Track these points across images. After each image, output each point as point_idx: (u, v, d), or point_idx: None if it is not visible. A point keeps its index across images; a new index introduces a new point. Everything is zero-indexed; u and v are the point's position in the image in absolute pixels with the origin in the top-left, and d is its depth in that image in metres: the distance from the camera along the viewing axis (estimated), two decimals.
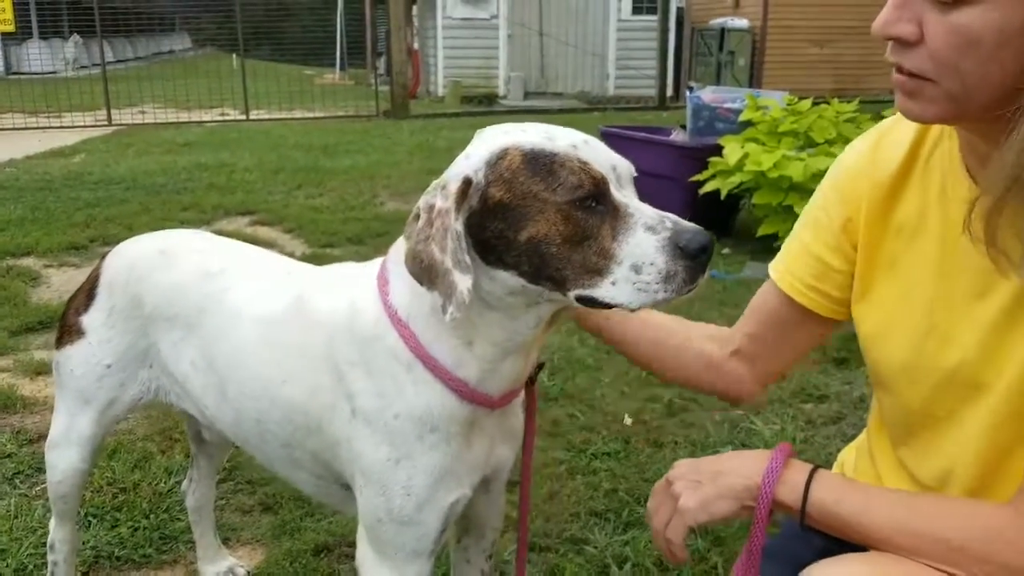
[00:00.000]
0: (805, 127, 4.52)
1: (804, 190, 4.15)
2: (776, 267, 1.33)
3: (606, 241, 1.08)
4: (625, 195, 1.12)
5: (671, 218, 1.10)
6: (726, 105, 4.89)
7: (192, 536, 2.05)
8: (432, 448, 1.21)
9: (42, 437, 2.66)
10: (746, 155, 4.42)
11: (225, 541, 2.12)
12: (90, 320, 1.57)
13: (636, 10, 16.46)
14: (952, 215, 1.11)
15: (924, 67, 0.99)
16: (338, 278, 1.36)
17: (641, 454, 2.49)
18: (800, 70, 15.66)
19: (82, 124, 11.37)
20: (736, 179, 4.44)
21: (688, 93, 5.15)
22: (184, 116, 12.12)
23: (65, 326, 1.61)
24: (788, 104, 4.71)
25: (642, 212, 1.10)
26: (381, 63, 17.30)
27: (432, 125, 11.32)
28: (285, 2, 23.13)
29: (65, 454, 1.64)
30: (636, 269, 1.07)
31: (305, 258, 4.95)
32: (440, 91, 16.15)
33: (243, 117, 12.11)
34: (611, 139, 5.35)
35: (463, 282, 1.06)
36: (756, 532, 1.14)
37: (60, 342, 1.62)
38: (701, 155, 4.79)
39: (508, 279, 1.11)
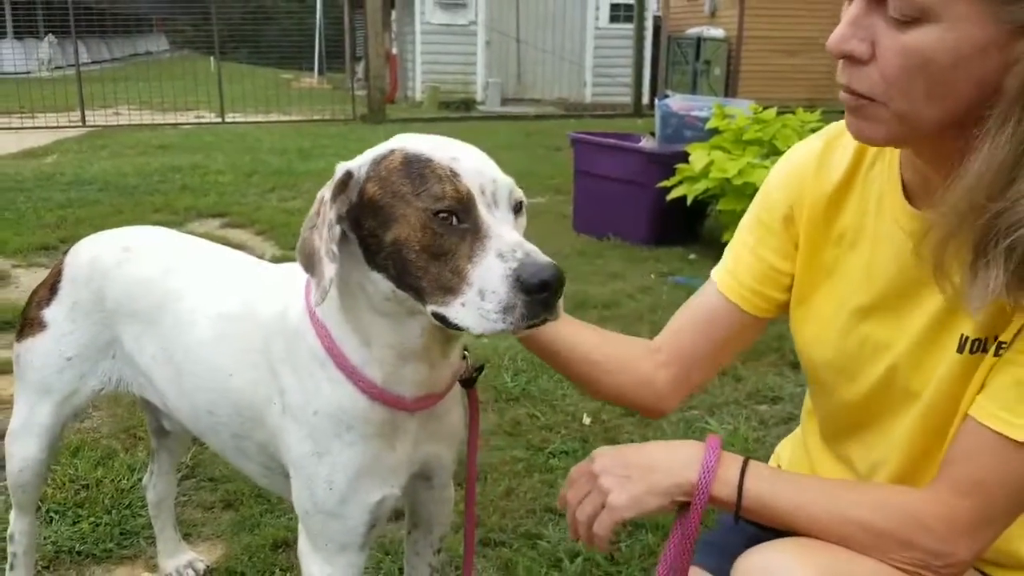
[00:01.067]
0: (770, 135, 4.60)
1: None
2: (719, 273, 1.35)
3: (462, 260, 1.06)
4: (495, 217, 1.09)
5: (525, 248, 1.06)
6: (693, 113, 4.97)
7: (153, 532, 2.08)
8: (349, 446, 1.25)
9: (1, 436, 2.70)
10: (712, 162, 4.51)
11: (186, 536, 2.15)
12: (52, 313, 1.61)
13: (613, 18, 16.61)
14: (886, 228, 1.16)
15: (874, 87, 1.00)
16: (281, 278, 1.40)
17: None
18: (775, 80, 15.86)
19: (56, 125, 11.30)
20: (702, 186, 4.52)
21: (657, 101, 5.23)
22: (159, 118, 12.07)
23: (27, 319, 1.64)
24: (753, 113, 4.79)
25: (500, 238, 1.07)
26: (360, 68, 17.33)
27: (409, 129, 11.16)
28: (264, 5, 23.11)
29: (24, 443, 1.67)
30: (481, 295, 1.05)
31: (275, 259, 4.95)
32: (418, 96, 16.21)
33: (219, 120, 12.09)
34: (580, 145, 5.43)
35: (328, 270, 1.09)
36: (691, 527, 1.15)
37: (21, 334, 1.65)
38: (669, 161, 4.87)
39: (380, 282, 1.14)
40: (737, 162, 4.40)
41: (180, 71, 15.48)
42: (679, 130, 5.00)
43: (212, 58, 16.56)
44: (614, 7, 16.61)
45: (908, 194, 1.14)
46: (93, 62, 19.39)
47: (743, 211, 4.05)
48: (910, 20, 0.95)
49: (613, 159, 5.15)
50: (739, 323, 1.32)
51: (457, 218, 1.07)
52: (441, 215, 1.07)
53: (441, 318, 1.09)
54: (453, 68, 16.14)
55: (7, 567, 1.83)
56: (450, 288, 1.07)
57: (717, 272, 1.35)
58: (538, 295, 1.03)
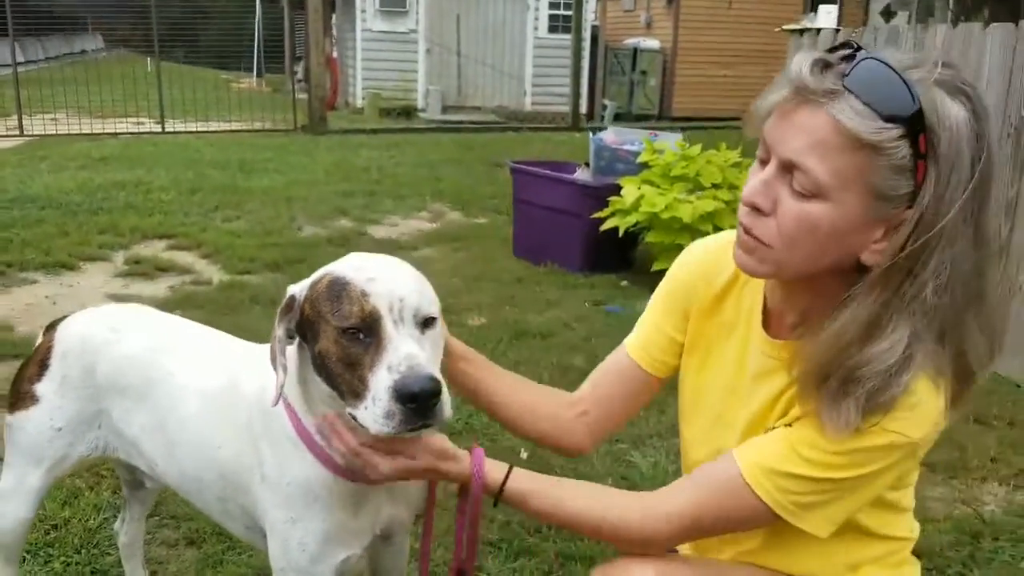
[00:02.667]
0: (694, 172, 4.90)
1: (693, 230, 4.54)
2: (632, 344, 1.65)
3: (365, 370, 1.26)
4: (399, 332, 1.27)
5: (412, 362, 1.23)
6: (625, 147, 5.24)
7: (122, 570, 2.26)
8: (318, 514, 1.47)
9: None
10: (642, 196, 4.79)
11: (152, 575, 2.33)
12: (43, 388, 1.78)
13: (552, 28, 16.87)
14: (752, 330, 1.47)
15: (770, 235, 1.28)
16: (261, 358, 1.61)
17: None
18: (709, 90, 16.33)
19: None
20: (632, 219, 4.80)
21: (590, 136, 5.49)
22: (99, 125, 11.96)
23: (19, 393, 1.81)
24: (680, 148, 5.08)
25: (396, 351, 1.25)
26: (299, 68, 17.30)
27: (350, 141, 11.46)
28: (201, 4, 22.83)
29: (13, 506, 1.85)
30: (374, 401, 1.24)
31: (223, 284, 5.12)
32: (359, 102, 16.26)
33: (159, 128, 12.02)
34: (519, 175, 5.67)
35: (279, 378, 1.36)
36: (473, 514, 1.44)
37: (13, 407, 1.82)
38: (602, 194, 5.14)
39: (320, 383, 1.37)
40: (665, 197, 4.69)
41: (118, 72, 15.27)
42: (612, 163, 5.27)
43: (149, 58, 16.43)
44: (553, 17, 16.88)
45: (765, 317, 1.46)
46: (28, 62, 19.01)
47: (671, 243, 4.59)
48: (808, 195, 1.23)
49: (550, 189, 5.40)
50: (644, 381, 1.63)
51: (363, 334, 1.28)
52: (349, 331, 1.28)
53: (352, 417, 1.31)
54: (394, 75, 16.22)
55: None
56: (357, 393, 1.28)
57: (629, 340, 1.66)
58: (411, 404, 1.22)
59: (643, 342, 1.63)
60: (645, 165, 5.11)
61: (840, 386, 1.24)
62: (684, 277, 1.59)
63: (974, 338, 1.28)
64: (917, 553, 2.37)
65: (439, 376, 1.27)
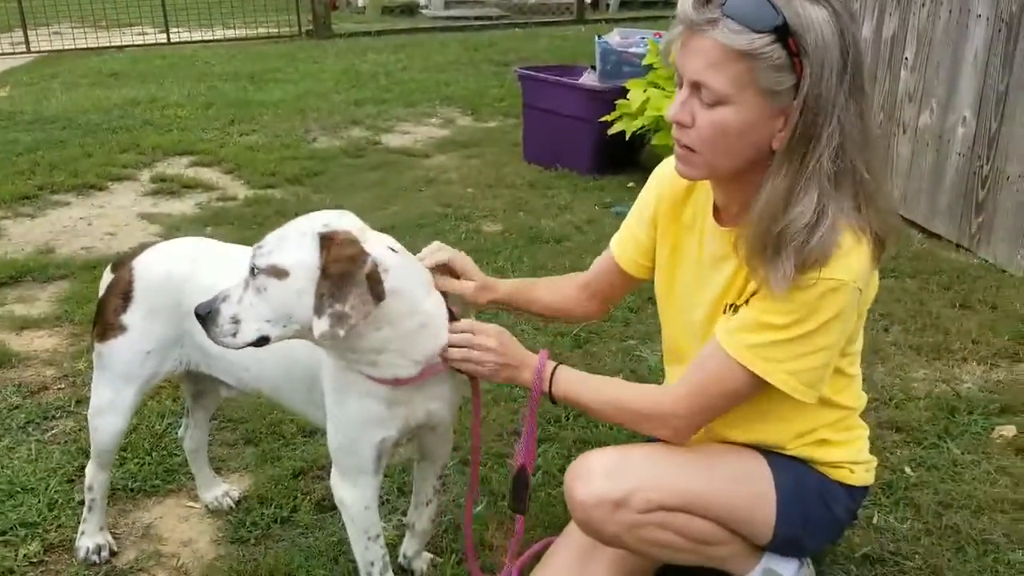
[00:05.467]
0: None
1: None
2: (615, 244, 2.03)
3: None
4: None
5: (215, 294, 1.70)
6: (631, 50, 5.34)
7: (190, 469, 2.56)
8: (355, 401, 1.80)
9: (43, 388, 3.14)
10: (648, 100, 4.92)
11: (216, 471, 2.61)
12: (129, 318, 2.05)
13: None
14: (706, 224, 1.79)
15: (693, 143, 1.59)
16: None
17: None
18: None
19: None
20: (639, 122, 4.95)
21: (596, 39, 5.57)
22: (104, 37, 11.97)
23: (107, 324, 2.07)
24: None
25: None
26: None
27: (356, 46, 11.45)
28: None
29: (111, 419, 2.14)
30: None
31: (248, 200, 5.33)
32: (360, 2, 16.06)
33: (164, 39, 12.02)
34: (527, 80, 5.78)
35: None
36: (532, 408, 1.83)
37: (103, 337, 2.08)
38: (609, 97, 5.27)
39: None
40: (671, 100, 4.81)
41: None
42: (618, 66, 5.37)
43: None
44: None
45: (716, 213, 1.77)
46: None
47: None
48: (714, 103, 1.53)
49: (558, 95, 5.52)
50: (626, 278, 2.04)
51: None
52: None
53: None
54: None
55: (85, 510, 2.28)
56: None
57: (613, 241, 2.04)
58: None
59: (622, 246, 2.01)
60: (651, 67, 5.22)
61: (774, 249, 1.55)
62: (652, 190, 1.92)
63: (876, 188, 1.59)
64: (896, 428, 2.70)
65: (218, 308, 1.67)
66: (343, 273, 1.58)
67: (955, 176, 4.24)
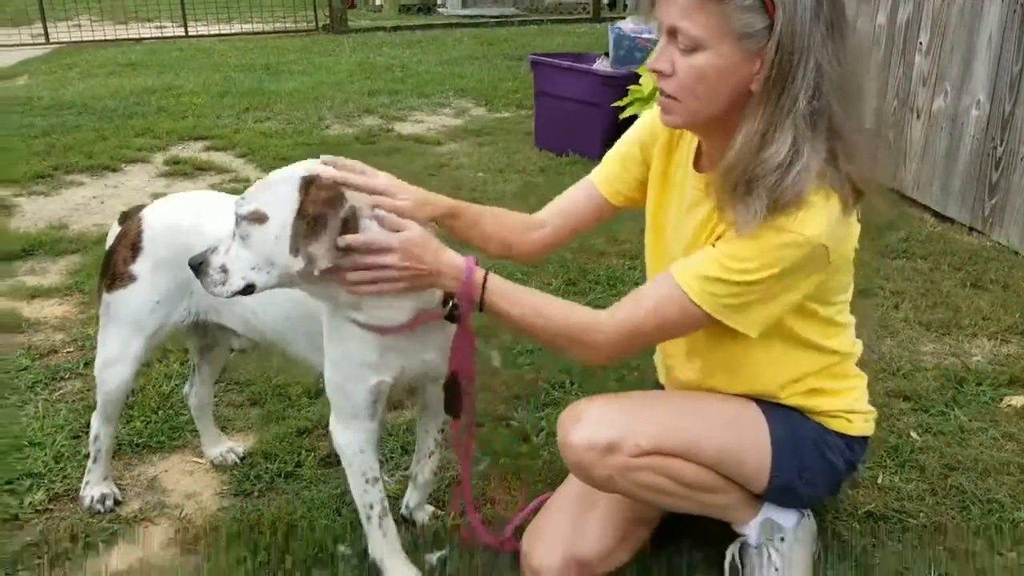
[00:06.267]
0: None
1: None
2: (598, 174, 1.98)
3: None
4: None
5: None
6: (644, 36, 5.33)
7: (195, 427, 2.57)
8: (351, 344, 1.80)
9: (52, 351, 3.16)
10: None
11: (221, 430, 2.62)
12: (138, 268, 2.06)
13: None
14: (688, 171, 1.79)
15: (674, 91, 1.59)
16: None
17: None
18: None
19: (19, 43, 11.28)
20: (651, 106, 4.92)
21: (610, 27, 5.57)
22: (122, 31, 12.07)
23: (116, 274, 2.08)
24: None
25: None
26: None
27: (372, 40, 11.49)
28: None
29: (119, 370, 2.15)
30: None
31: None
32: (378, 0, 16.14)
33: (182, 33, 12.11)
34: (540, 67, 5.79)
35: None
36: (463, 320, 1.75)
37: (112, 287, 2.09)
38: (622, 83, 5.27)
39: None
40: None
41: None
42: (631, 52, 5.37)
43: None
44: None
45: (698, 160, 1.77)
46: None
47: None
48: (691, 49, 1.54)
49: (570, 81, 5.53)
50: (601, 206, 1.97)
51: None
52: None
53: None
54: None
55: (90, 461, 2.30)
56: None
57: (595, 172, 1.99)
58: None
59: (607, 176, 1.96)
60: None
61: (745, 187, 1.54)
62: (649, 125, 1.90)
63: (852, 132, 1.57)
64: (903, 397, 2.68)
65: (208, 258, 1.69)
66: (318, 215, 1.59)
67: (969, 159, 4.22)
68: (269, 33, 12.38)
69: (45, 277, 3.85)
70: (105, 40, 11.66)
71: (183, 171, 5.59)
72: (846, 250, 1.68)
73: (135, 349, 2.13)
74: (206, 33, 12.20)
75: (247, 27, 12.57)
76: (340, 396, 1.87)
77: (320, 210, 1.59)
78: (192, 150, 6.08)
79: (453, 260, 1.68)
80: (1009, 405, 2.64)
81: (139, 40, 11.74)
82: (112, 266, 2.10)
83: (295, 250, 1.59)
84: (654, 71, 1.61)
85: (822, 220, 1.55)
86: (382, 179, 1.74)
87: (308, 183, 1.62)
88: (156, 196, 5.01)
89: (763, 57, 1.50)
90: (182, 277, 2.03)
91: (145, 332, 2.11)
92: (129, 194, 5.17)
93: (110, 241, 2.19)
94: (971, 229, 4.19)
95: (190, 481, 2.45)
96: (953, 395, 2.71)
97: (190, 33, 12.12)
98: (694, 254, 1.67)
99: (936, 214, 4.42)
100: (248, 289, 1.68)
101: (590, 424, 1.73)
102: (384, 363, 1.81)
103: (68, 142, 6.12)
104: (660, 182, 1.88)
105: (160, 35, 12.18)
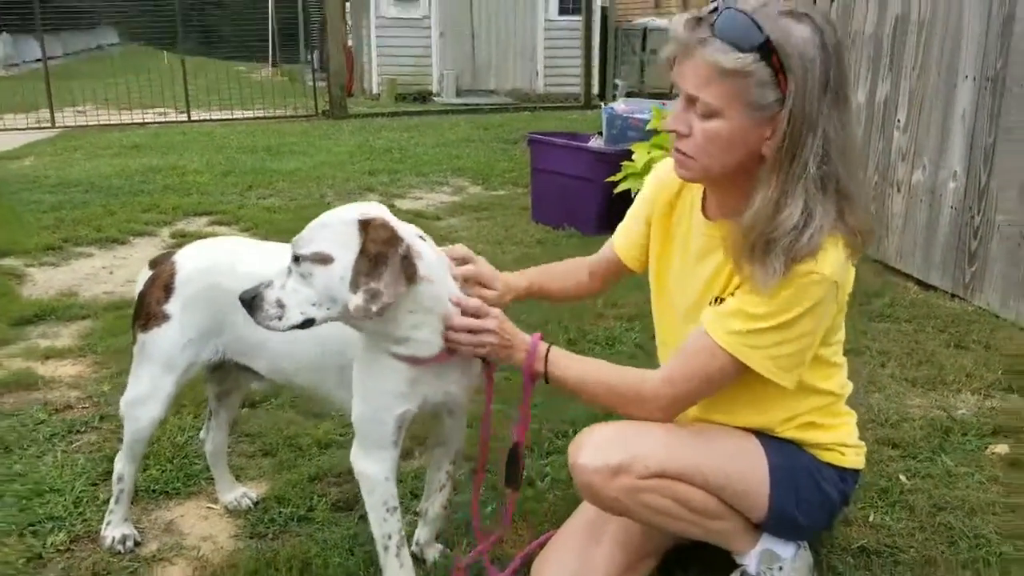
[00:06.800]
0: None
1: None
2: (617, 240, 2.21)
3: None
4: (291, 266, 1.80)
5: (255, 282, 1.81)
6: (636, 116, 5.59)
7: (210, 475, 2.65)
8: (380, 375, 1.92)
9: (68, 407, 3.25)
10: (652, 159, 5.14)
11: (236, 477, 2.72)
12: (171, 308, 2.17)
13: (563, 11, 17.13)
14: (694, 219, 1.95)
15: (690, 150, 1.74)
16: None
17: (559, 402, 3.15)
18: None
19: (25, 126, 11.56)
20: (644, 181, 5.15)
21: (603, 106, 5.83)
22: (127, 116, 12.40)
23: (151, 313, 2.19)
24: None
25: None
26: (314, 58, 17.66)
27: (371, 125, 11.84)
28: None
29: (150, 408, 2.24)
30: None
31: None
32: (375, 89, 16.61)
33: (185, 118, 12.44)
34: (537, 144, 6.03)
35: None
36: (525, 392, 1.96)
37: (147, 327, 2.19)
38: (615, 159, 5.50)
39: None
40: None
41: (135, 66, 15.71)
42: (623, 131, 5.62)
43: (166, 52, 16.82)
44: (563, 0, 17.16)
45: (704, 208, 1.93)
46: (50, 57, 19.45)
47: None
48: (708, 115, 1.69)
49: (566, 157, 5.77)
50: (622, 267, 2.21)
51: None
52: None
53: None
54: (408, 60, 16.54)
55: (112, 501, 2.38)
56: None
57: (615, 236, 2.22)
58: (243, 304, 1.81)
59: (623, 242, 2.19)
60: (655, 131, 5.46)
61: (764, 249, 1.69)
62: (649, 190, 2.10)
63: (855, 191, 1.73)
64: (892, 445, 2.80)
65: (262, 293, 1.79)
66: (379, 254, 1.73)
67: (948, 229, 4.42)
68: (270, 118, 12.73)
69: (58, 340, 3.96)
70: (110, 124, 11.98)
71: (190, 243, 5.72)
72: (847, 291, 1.84)
73: (166, 387, 2.22)
74: (208, 119, 12.53)
75: (248, 113, 12.92)
76: (369, 425, 1.97)
77: (381, 249, 1.73)
78: (197, 224, 6.25)
79: (525, 338, 1.91)
80: (993, 452, 2.76)
81: (143, 124, 12.06)
82: (146, 307, 2.22)
83: (355, 287, 1.72)
84: (672, 131, 1.77)
85: (834, 260, 1.71)
86: (483, 267, 2.03)
87: (366, 224, 1.76)
88: None
89: (774, 125, 1.66)
90: (213, 316, 2.16)
91: (176, 371, 2.21)
92: (137, 265, 5.23)
93: (139, 286, 2.32)
94: (953, 295, 4.36)
95: (206, 525, 2.52)
96: (940, 443, 2.83)
97: (193, 118, 12.44)
98: (719, 309, 1.82)
99: (919, 282, 4.60)
100: (307, 323, 1.80)
101: (600, 447, 1.85)
102: (412, 393, 1.93)
103: (76, 216, 6.28)
104: (662, 237, 2.05)
105: (164, 120, 12.51)
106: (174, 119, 12.53)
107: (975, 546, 2.27)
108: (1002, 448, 2.78)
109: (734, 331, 1.76)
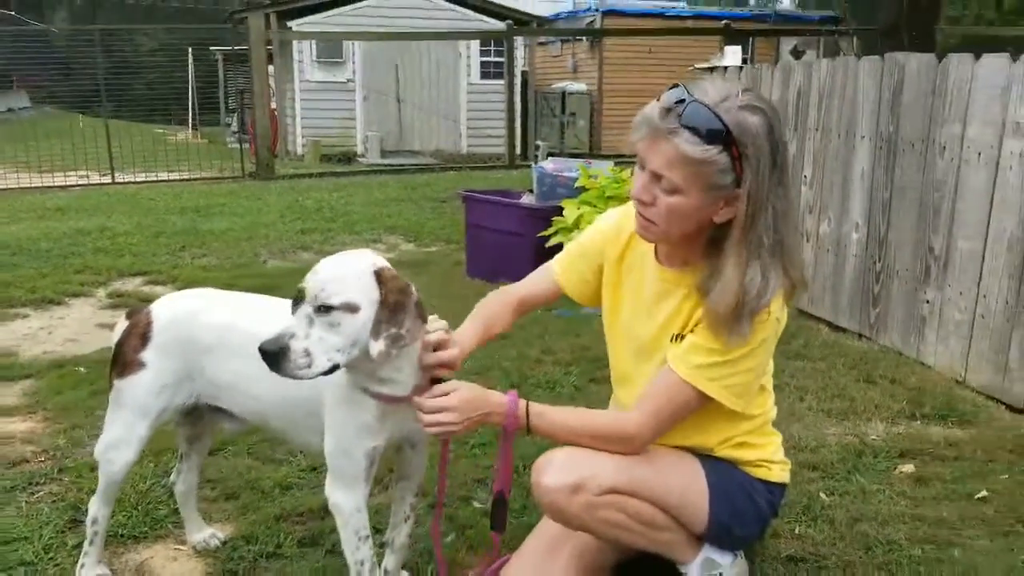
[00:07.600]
0: (626, 192, 5.58)
1: None
2: (560, 274, 2.36)
3: None
4: (301, 308, 1.90)
5: (274, 330, 1.89)
6: (564, 174, 5.91)
7: (175, 518, 2.75)
8: (353, 413, 2.08)
9: (24, 460, 3.30)
10: (581, 215, 5.45)
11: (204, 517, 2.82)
12: (147, 355, 2.30)
13: (484, 75, 17.69)
14: (646, 266, 2.18)
15: (653, 217, 1.98)
16: None
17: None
18: None
19: None
20: (574, 235, 5.45)
21: (533, 165, 6.14)
22: (47, 179, 12.25)
23: (127, 362, 2.31)
24: (612, 173, 5.78)
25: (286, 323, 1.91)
26: (233, 119, 17.74)
27: (298, 185, 11.97)
28: (129, 60, 23.02)
29: (124, 452, 2.35)
30: None
31: None
32: (299, 150, 16.78)
33: (108, 180, 12.35)
34: (471, 202, 6.29)
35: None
36: (506, 447, 2.12)
37: (123, 374, 2.32)
38: (546, 215, 5.78)
39: None
40: (602, 215, 5.36)
41: (50, 129, 15.50)
42: (553, 188, 5.93)
43: (81, 115, 16.67)
44: (484, 64, 17.71)
45: (657, 255, 2.16)
46: None
47: None
48: (671, 191, 1.93)
49: (500, 213, 6.03)
50: (561, 295, 2.39)
51: (293, 309, 1.93)
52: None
53: None
54: (333, 122, 16.81)
55: (86, 544, 2.46)
56: None
57: (556, 269, 2.37)
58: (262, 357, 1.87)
59: (567, 277, 2.35)
60: (583, 189, 5.78)
61: (734, 314, 1.95)
62: (598, 239, 2.31)
63: (795, 247, 2.01)
64: (812, 467, 3.07)
65: (288, 344, 1.86)
66: (397, 302, 1.92)
67: (853, 275, 4.81)
68: (197, 179, 12.73)
69: (4, 399, 3.98)
70: (31, 187, 11.82)
71: (127, 303, 5.73)
72: (782, 327, 2.11)
73: (140, 432, 2.34)
74: (133, 180, 12.46)
75: (174, 175, 12.89)
76: (343, 460, 2.13)
77: (399, 298, 1.92)
78: (133, 284, 6.28)
79: (500, 400, 2.05)
80: (901, 471, 3.07)
81: (64, 187, 11.93)
82: (123, 355, 2.35)
83: (376, 334, 1.90)
84: (638, 200, 1.98)
85: (778, 304, 2.00)
86: (441, 332, 2.09)
87: (379, 275, 1.94)
88: (103, 326, 5.27)
89: (727, 201, 1.91)
90: (188, 362, 2.31)
91: (150, 416, 2.34)
92: (76, 325, 5.32)
93: (116, 335, 2.44)
94: (860, 335, 4.73)
95: (176, 566, 2.62)
96: (854, 464, 3.13)
97: (117, 180, 12.36)
98: (681, 348, 2.06)
99: (830, 324, 4.97)
100: (333, 369, 1.94)
101: (559, 468, 2.06)
102: (381, 428, 2.10)
103: (7, 279, 6.21)
104: (614, 283, 2.28)
105: (87, 182, 12.40)
106: (97, 181, 12.42)
107: (888, 551, 2.55)
108: (908, 468, 3.10)
109: (695, 365, 2.01)
